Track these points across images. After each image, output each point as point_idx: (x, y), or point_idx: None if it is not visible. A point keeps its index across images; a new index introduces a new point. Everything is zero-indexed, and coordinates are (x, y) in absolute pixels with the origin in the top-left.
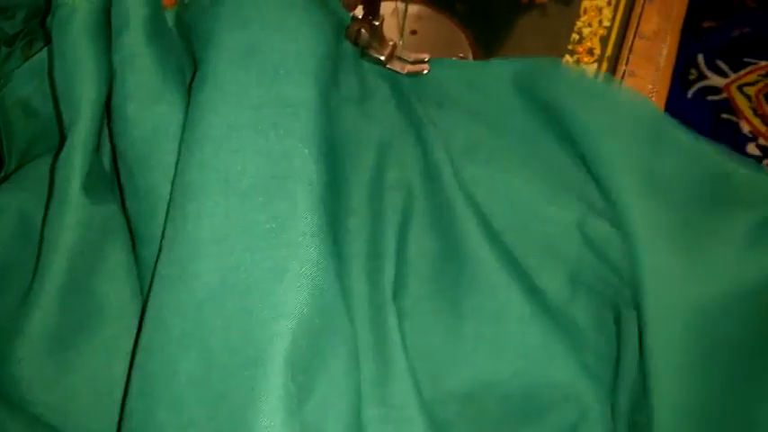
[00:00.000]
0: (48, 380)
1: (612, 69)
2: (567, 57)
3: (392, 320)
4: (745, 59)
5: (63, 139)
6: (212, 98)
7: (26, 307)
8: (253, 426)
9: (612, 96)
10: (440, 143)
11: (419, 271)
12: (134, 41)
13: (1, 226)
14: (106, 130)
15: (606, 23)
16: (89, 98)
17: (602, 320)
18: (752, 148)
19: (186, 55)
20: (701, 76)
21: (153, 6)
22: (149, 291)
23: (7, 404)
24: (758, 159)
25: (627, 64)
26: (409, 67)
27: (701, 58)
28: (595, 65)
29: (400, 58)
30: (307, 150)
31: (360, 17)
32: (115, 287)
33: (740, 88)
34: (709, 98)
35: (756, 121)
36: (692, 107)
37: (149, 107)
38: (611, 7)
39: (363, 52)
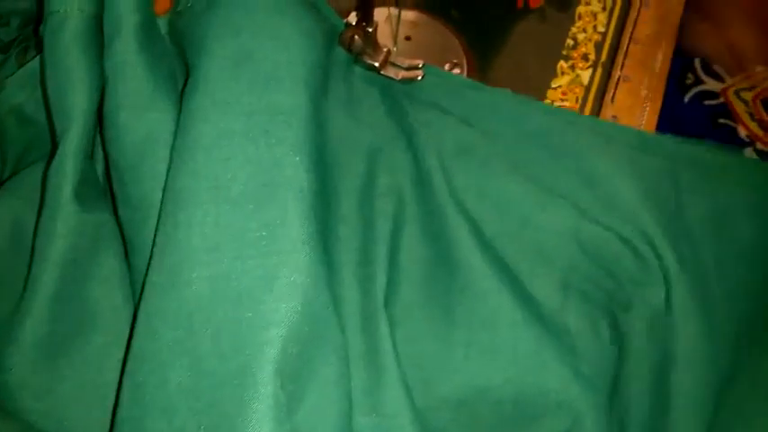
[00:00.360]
0: (39, 388)
1: (607, 75)
2: (562, 62)
3: (384, 328)
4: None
5: (55, 146)
6: (203, 106)
7: (18, 315)
8: None
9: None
10: (431, 149)
11: (411, 278)
12: (125, 49)
13: None
14: (99, 138)
15: (601, 29)
16: (81, 106)
17: (595, 326)
18: (749, 153)
19: (179, 62)
20: (698, 81)
21: (145, 14)
22: (140, 298)
23: (1, 411)
24: None
25: (622, 69)
26: (403, 74)
27: (697, 62)
28: (590, 70)
29: (394, 65)
30: (298, 158)
31: (353, 23)
32: (107, 294)
33: (737, 93)
34: (707, 103)
35: (753, 126)
36: (690, 112)
37: (141, 115)
38: (606, 12)
39: (357, 59)
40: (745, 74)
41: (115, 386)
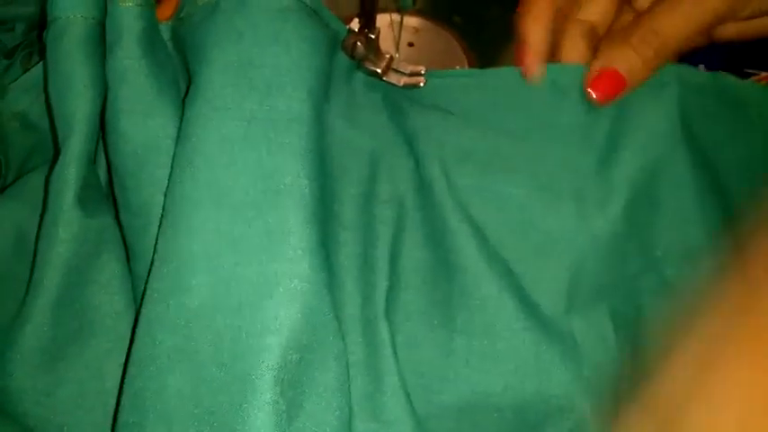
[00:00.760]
0: (40, 393)
1: None
2: None
3: (384, 335)
4: (746, 70)
5: (57, 152)
6: (204, 112)
7: (19, 320)
8: None
9: None
10: (432, 154)
11: (411, 284)
12: (127, 55)
13: None
14: (102, 143)
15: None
16: (83, 112)
17: (600, 330)
18: None
19: (181, 69)
20: None
21: (147, 21)
22: (141, 304)
23: (2, 415)
24: None
25: None
26: (406, 80)
27: (702, 68)
28: None
29: (397, 71)
30: (300, 165)
31: (356, 30)
32: (109, 299)
33: None
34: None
35: None
36: None
37: (141, 121)
38: None
39: (359, 65)
40: (749, 80)
41: (116, 391)
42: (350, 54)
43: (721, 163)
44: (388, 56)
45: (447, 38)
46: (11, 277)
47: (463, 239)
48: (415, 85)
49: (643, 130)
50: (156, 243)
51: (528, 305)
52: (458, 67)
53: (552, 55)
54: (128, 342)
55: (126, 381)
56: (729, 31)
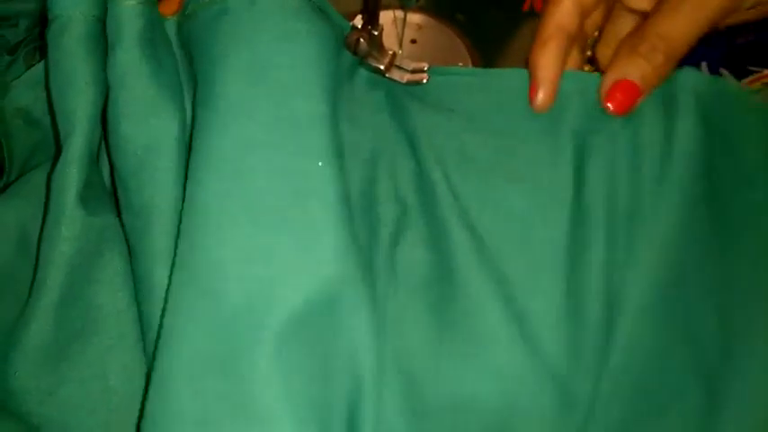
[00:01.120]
0: (43, 392)
1: None
2: None
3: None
4: (749, 68)
5: (59, 150)
6: (223, 118)
7: (23, 320)
8: None
9: None
10: (434, 156)
11: (407, 285)
12: (127, 58)
13: (1, 238)
14: (104, 142)
15: None
16: (84, 110)
17: (588, 345)
18: None
19: (186, 66)
20: None
21: (148, 18)
22: (164, 310)
23: (5, 412)
24: None
25: None
26: (408, 77)
27: (704, 66)
28: (597, 74)
29: (399, 68)
30: (322, 165)
31: (359, 26)
32: (112, 298)
33: None
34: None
35: None
36: None
37: (142, 123)
38: None
39: (362, 62)
40: (752, 77)
41: (118, 391)
42: (353, 51)
43: (718, 172)
44: (390, 53)
45: (450, 35)
46: (14, 276)
47: (462, 243)
48: (418, 82)
49: (649, 139)
50: (178, 249)
51: (520, 315)
52: (461, 65)
53: None
54: (130, 340)
55: (155, 386)
56: (732, 18)
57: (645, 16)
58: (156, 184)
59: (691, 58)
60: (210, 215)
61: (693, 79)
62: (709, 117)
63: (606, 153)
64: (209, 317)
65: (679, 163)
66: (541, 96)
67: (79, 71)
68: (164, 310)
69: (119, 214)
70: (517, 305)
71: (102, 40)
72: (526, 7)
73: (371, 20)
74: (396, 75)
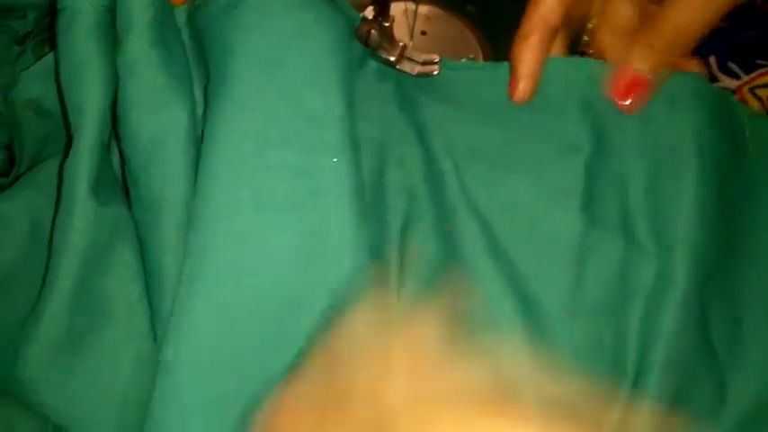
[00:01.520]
0: (55, 383)
1: None
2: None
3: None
4: (758, 61)
5: (70, 140)
6: (235, 114)
7: (35, 312)
8: None
9: None
10: (443, 147)
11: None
12: (137, 46)
13: (14, 230)
14: (114, 133)
15: None
16: (95, 102)
17: (597, 336)
18: None
19: (196, 57)
20: (713, 79)
21: (158, 7)
22: (174, 302)
23: (17, 404)
24: None
25: None
26: (419, 68)
27: (712, 59)
28: (601, 62)
29: (410, 59)
30: (337, 162)
31: (370, 18)
32: (124, 289)
33: (752, 90)
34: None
35: None
36: None
37: (151, 116)
38: None
39: (373, 53)
40: (760, 71)
41: (129, 382)
42: (364, 42)
43: (726, 181)
44: (401, 44)
45: (460, 27)
46: (26, 267)
47: (471, 233)
48: (429, 74)
49: (653, 141)
50: (189, 242)
51: (530, 304)
52: (471, 56)
53: None
54: (141, 332)
55: (166, 371)
56: None
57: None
58: (165, 178)
59: (699, 51)
60: (224, 212)
61: (698, 82)
62: (718, 119)
63: (617, 146)
64: (219, 313)
65: (693, 161)
66: (520, 90)
67: (89, 62)
68: (174, 301)
69: (130, 205)
70: (527, 294)
71: (112, 30)
72: None
73: (382, 11)
74: (406, 66)
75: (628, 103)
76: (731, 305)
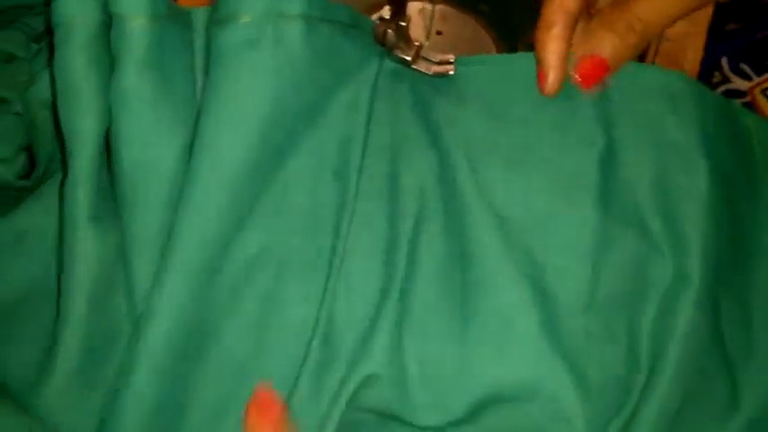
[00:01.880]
0: (70, 400)
1: None
2: None
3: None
4: None
5: (65, 161)
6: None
7: (54, 341)
8: None
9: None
10: (457, 146)
11: (427, 274)
12: (129, 81)
13: (39, 244)
14: None
15: None
16: (91, 129)
17: (613, 331)
18: None
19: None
20: (725, 80)
21: (158, 36)
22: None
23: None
24: None
25: None
26: (435, 68)
27: (724, 61)
28: None
29: (426, 59)
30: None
31: (387, 17)
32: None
33: (764, 92)
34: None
35: None
36: None
37: (139, 153)
38: None
39: (389, 53)
40: None
41: None
42: (380, 42)
43: (733, 183)
44: (417, 44)
45: (475, 26)
46: (52, 281)
47: (484, 229)
48: (445, 74)
49: (661, 139)
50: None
51: (546, 299)
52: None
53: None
54: None
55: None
56: None
57: None
58: (150, 213)
59: (711, 53)
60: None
61: (697, 84)
62: (722, 120)
63: (626, 142)
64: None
65: (702, 161)
66: (551, 82)
67: (84, 87)
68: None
69: None
70: (543, 287)
71: (108, 47)
72: None
73: (399, 11)
74: (422, 66)
75: (581, 79)
76: (740, 307)
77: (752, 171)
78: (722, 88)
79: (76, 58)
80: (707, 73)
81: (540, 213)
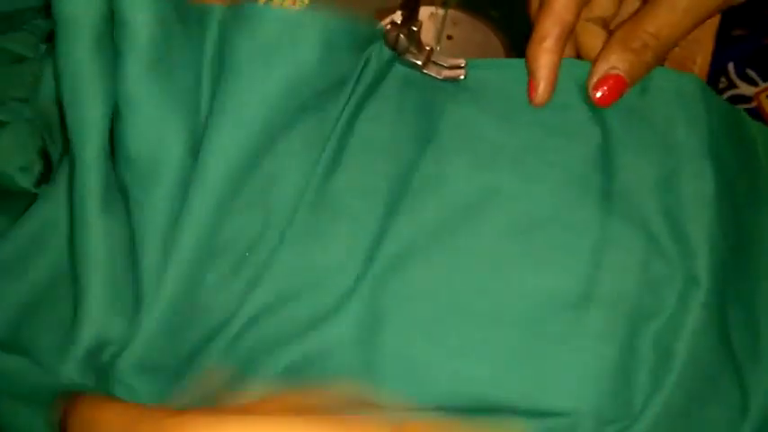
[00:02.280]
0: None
1: None
2: None
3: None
4: None
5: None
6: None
7: (73, 326)
8: None
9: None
10: (462, 149)
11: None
12: (134, 73)
13: (53, 237)
14: None
15: None
16: (97, 121)
17: (612, 326)
18: None
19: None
20: (732, 85)
21: (160, 25)
22: None
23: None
24: None
25: None
26: (446, 72)
27: (731, 66)
28: None
29: (437, 64)
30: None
31: (399, 22)
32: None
33: None
34: (739, 107)
35: None
36: None
37: (144, 146)
38: None
39: (400, 57)
40: None
41: None
42: (392, 46)
43: (736, 189)
44: (428, 48)
45: (486, 32)
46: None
47: (485, 226)
48: (455, 78)
49: (671, 139)
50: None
51: (547, 295)
52: None
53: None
54: None
55: None
56: None
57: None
58: (155, 207)
59: (717, 58)
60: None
61: (706, 88)
62: (726, 124)
63: (634, 143)
64: None
65: (709, 163)
66: (540, 93)
67: (89, 80)
68: None
69: None
70: (545, 285)
71: (111, 39)
72: None
73: (411, 16)
74: (433, 70)
75: (600, 98)
76: (746, 311)
77: (755, 179)
78: (728, 93)
79: (82, 52)
80: (713, 78)
81: (543, 214)
